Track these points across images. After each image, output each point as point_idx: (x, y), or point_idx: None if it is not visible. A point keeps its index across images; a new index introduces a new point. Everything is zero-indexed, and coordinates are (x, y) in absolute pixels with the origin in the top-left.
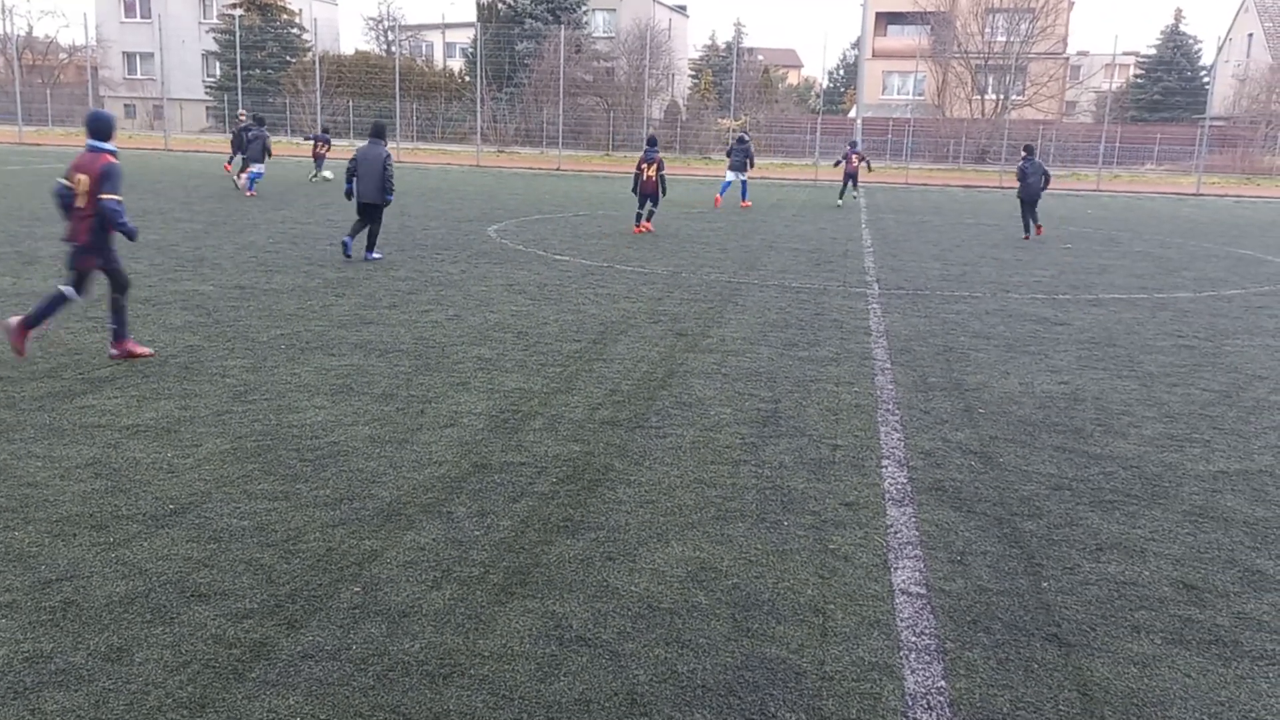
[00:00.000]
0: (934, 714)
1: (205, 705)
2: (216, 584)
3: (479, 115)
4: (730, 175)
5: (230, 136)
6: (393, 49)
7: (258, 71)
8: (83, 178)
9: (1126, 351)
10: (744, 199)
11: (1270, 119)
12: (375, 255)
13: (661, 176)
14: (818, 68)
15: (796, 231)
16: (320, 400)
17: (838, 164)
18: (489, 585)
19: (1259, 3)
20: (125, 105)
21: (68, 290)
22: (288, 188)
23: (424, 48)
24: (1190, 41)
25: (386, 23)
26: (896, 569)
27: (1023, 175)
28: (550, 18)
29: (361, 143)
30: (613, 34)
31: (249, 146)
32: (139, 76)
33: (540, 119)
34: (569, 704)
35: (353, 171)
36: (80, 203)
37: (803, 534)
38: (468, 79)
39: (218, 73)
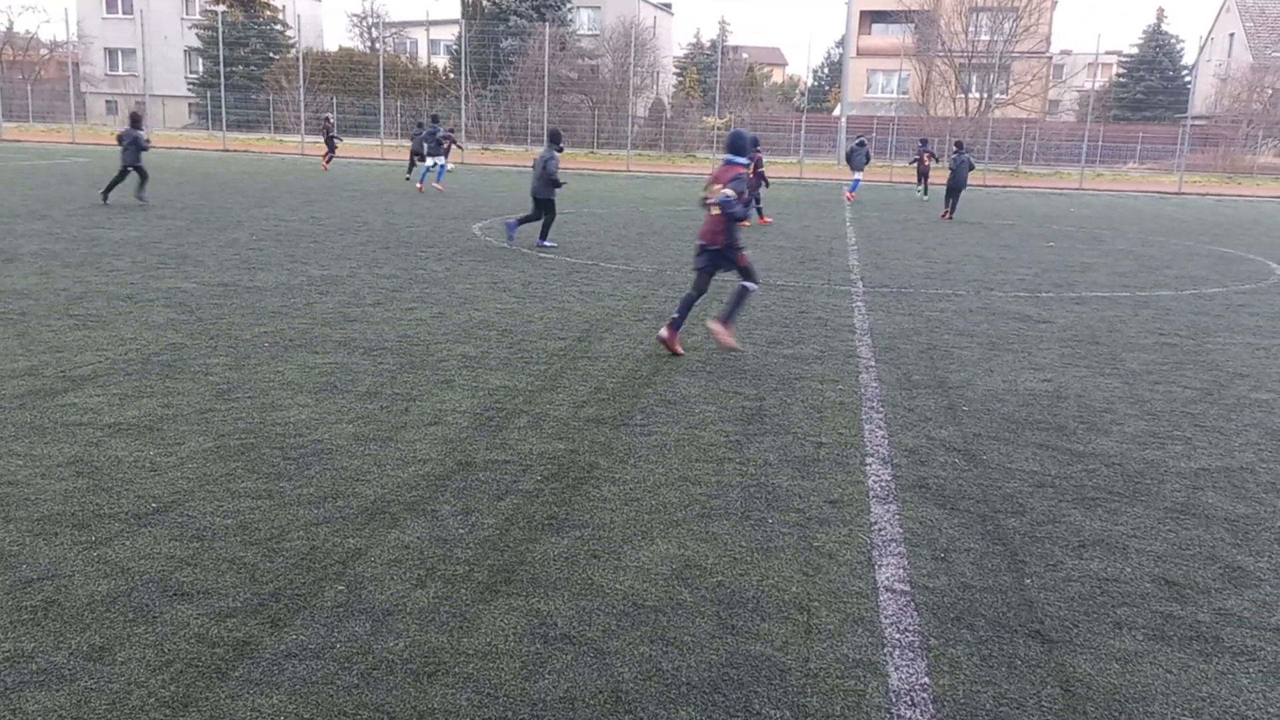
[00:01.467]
0: (917, 710)
1: (188, 704)
2: (199, 583)
3: (463, 112)
4: (858, 174)
5: (411, 141)
6: (377, 46)
7: (241, 68)
8: (718, 188)
9: (1109, 349)
10: (851, 192)
11: (1251, 118)
12: (548, 243)
13: (760, 173)
14: (802, 66)
15: (781, 229)
16: (304, 398)
17: (913, 162)
18: (473, 583)
19: (1240, 2)
20: (107, 101)
21: (751, 285)
22: (272, 184)
23: (408, 45)
24: (1172, 41)
25: (370, 19)
26: (880, 566)
27: (954, 166)
28: (535, 15)
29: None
30: (597, 31)
31: (429, 142)
32: (121, 73)
33: (525, 116)
34: (553, 702)
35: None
36: (717, 210)
37: (787, 531)
38: (452, 76)
39: (200, 69)
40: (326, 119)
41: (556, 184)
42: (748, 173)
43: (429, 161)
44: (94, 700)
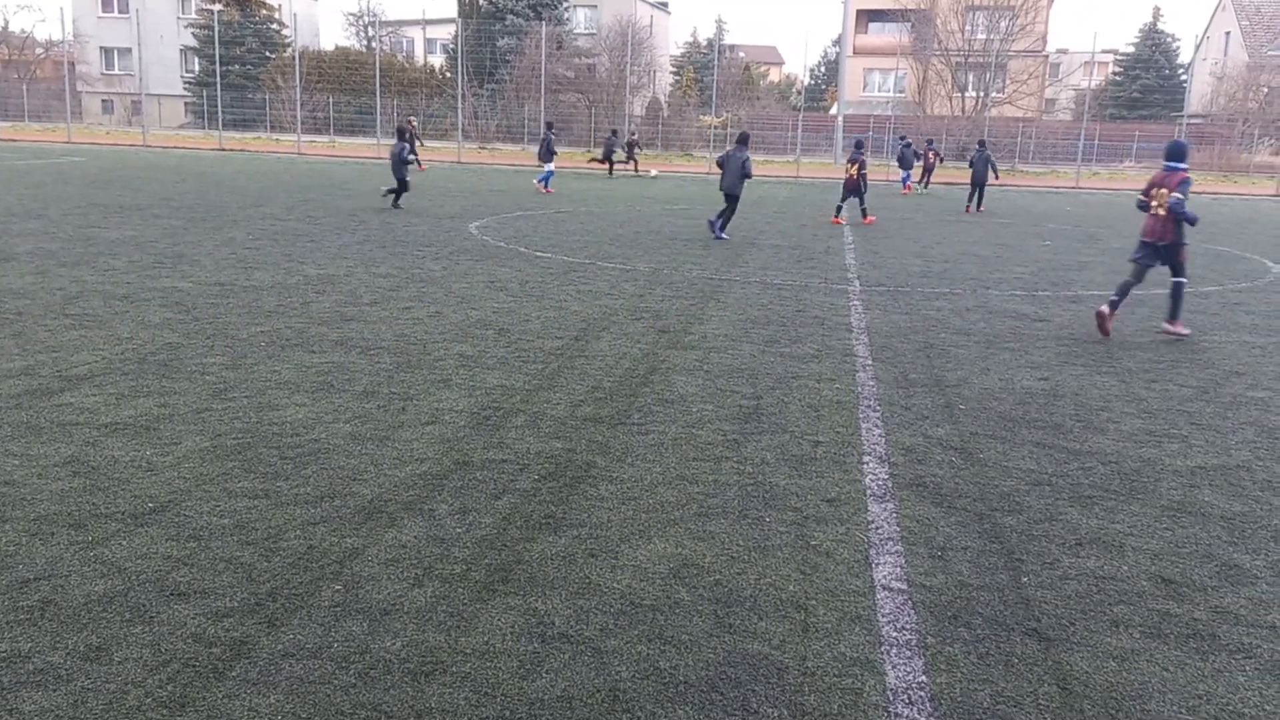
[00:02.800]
0: (915, 709)
1: (185, 704)
2: (196, 582)
3: (460, 111)
4: (907, 171)
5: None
6: (373, 45)
7: (237, 67)
8: (1164, 191)
9: (1105, 348)
10: (905, 184)
11: (1247, 117)
12: (723, 236)
13: (863, 175)
14: (799, 65)
15: (778, 228)
16: (301, 398)
17: (919, 158)
18: (471, 583)
19: (1236, 1)
20: (103, 100)
21: (1182, 280)
22: (269, 184)
23: (404, 44)
24: (1168, 39)
25: (367, 18)
26: (877, 564)
27: (974, 163)
28: (531, 14)
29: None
30: (594, 30)
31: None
32: (117, 72)
33: (522, 115)
34: (551, 701)
35: (721, 164)
36: (1163, 211)
37: (784, 530)
38: (449, 75)
39: (196, 68)
40: (410, 121)
41: (748, 176)
42: (1191, 177)
43: (547, 166)
44: (91, 700)
